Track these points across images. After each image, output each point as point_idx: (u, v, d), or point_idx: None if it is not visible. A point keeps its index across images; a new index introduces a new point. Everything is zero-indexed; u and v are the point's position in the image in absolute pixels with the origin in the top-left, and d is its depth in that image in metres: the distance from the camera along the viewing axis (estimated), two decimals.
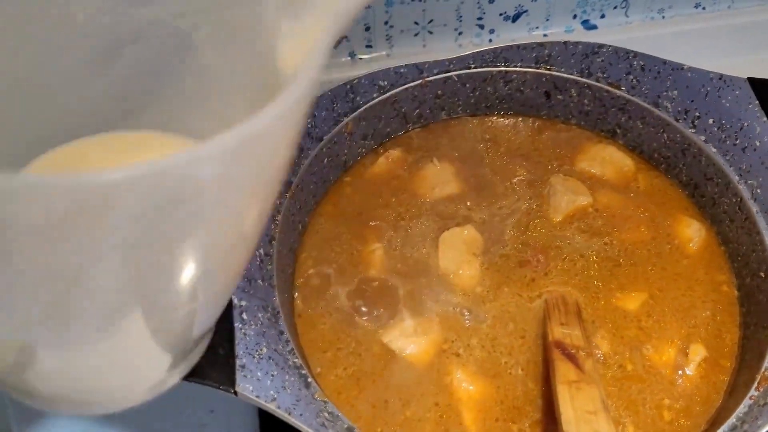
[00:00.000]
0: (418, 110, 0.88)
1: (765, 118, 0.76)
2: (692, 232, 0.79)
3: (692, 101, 0.80)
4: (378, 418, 0.68)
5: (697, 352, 0.72)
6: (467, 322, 0.74)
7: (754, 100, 0.77)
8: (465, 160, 0.87)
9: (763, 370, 0.66)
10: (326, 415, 0.62)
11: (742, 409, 0.64)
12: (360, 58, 1.11)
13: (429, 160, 0.87)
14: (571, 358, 0.65)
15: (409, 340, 0.73)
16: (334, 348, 0.73)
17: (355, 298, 0.76)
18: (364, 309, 0.75)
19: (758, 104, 0.77)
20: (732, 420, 0.64)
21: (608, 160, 0.86)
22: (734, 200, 0.77)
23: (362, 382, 0.70)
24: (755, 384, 0.65)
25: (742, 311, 0.75)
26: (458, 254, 0.79)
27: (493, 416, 0.68)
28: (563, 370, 0.64)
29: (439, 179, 0.85)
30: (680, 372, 0.71)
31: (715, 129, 0.79)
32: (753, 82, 0.78)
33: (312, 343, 0.73)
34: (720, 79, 0.79)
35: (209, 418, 0.82)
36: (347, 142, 0.84)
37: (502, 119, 0.91)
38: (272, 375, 0.61)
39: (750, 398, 0.65)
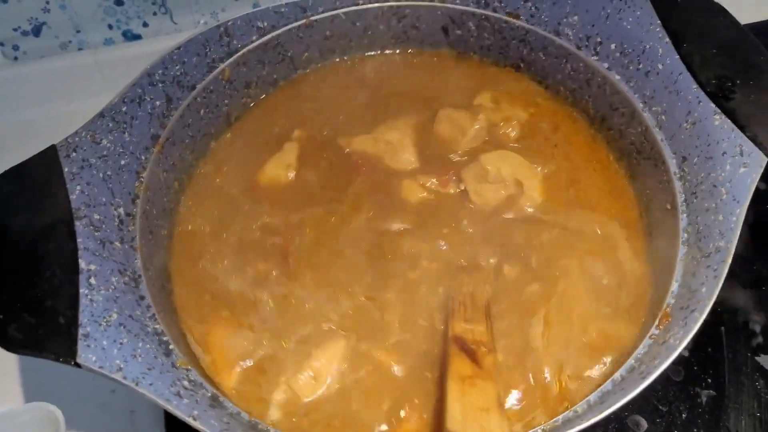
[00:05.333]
0: (306, 53, 0.82)
1: (667, 39, 0.70)
2: None
3: (593, 26, 0.75)
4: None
5: None
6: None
7: (656, 19, 0.71)
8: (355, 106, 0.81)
9: (665, 306, 0.61)
10: (185, 383, 0.57)
11: (641, 349, 0.60)
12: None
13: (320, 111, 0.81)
14: (470, 354, 0.60)
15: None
16: (214, 313, 0.67)
17: (241, 261, 0.70)
18: (250, 273, 0.70)
19: (660, 24, 0.71)
20: (630, 362, 0.59)
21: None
22: (640, 130, 0.72)
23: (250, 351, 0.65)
24: (656, 322, 0.61)
25: (650, 247, 0.70)
26: None
27: None
28: (458, 365, 0.59)
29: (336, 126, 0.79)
30: None
31: (618, 54, 0.73)
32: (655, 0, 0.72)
33: (188, 308, 0.67)
34: None
35: (110, 397, 0.77)
36: (227, 90, 0.77)
37: (397, 58, 0.85)
38: (121, 343, 0.56)
39: (650, 337, 0.60)
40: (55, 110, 1.02)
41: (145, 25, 1.04)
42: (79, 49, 1.04)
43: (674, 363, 0.78)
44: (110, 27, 1.03)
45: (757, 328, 0.82)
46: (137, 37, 1.05)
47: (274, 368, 0.63)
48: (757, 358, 0.80)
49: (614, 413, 0.74)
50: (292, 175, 0.76)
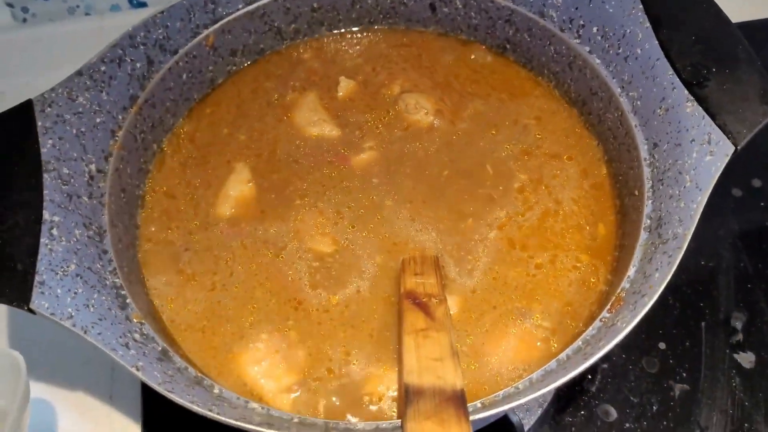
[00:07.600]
0: (293, 25, 0.82)
1: (647, 24, 0.69)
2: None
3: (576, 9, 0.74)
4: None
5: None
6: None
7: (638, 4, 0.70)
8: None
9: (618, 291, 0.61)
10: (136, 336, 0.58)
11: (590, 331, 0.59)
12: None
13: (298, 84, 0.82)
14: (422, 307, 0.61)
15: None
16: (179, 274, 0.68)
17: (211, 226, 0.72)
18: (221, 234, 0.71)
19: (642, 9, 0.70)
20: (578, 343, 0.59)
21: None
22: (616, 114, 0.71)
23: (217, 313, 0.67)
24: (609, 305, 0.60)
25: (618, 233, 0.70)
26: None
27: None
28: (411, 319, 0.60)
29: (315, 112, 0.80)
30: None
31: (599, 38, 0.73)
32: None
33: (153, 266, 0.69)
34: None
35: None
36: (210, 57, 0.78)
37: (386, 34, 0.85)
38: (75, 292, 0.57)
39: (601, 320, 0.60)
40: (61, 72, 1.04)
41: None
42: (86, 14, 1.06)
43: (650, 355, 0.79)
44: None
45: (739, 326, 0.82)
46: (143, 4, 1.07)
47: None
48: (735, 355, 0.80)
49: (584, 401, 0.76)
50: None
